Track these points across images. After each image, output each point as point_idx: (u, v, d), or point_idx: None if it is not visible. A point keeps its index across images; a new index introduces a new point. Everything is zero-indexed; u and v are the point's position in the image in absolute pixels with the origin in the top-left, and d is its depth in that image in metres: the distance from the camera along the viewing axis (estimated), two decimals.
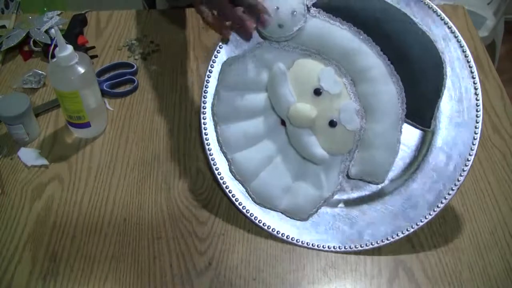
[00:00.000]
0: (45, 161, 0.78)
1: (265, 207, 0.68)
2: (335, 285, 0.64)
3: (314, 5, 0.64)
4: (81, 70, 0.74)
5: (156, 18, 1.04)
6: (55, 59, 0.74)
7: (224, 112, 0.68)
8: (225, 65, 0.68)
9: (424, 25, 0.63)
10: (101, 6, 0.99)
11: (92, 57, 0.94)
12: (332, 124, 0.62)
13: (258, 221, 0.68)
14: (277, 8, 0.62)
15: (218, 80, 0.69)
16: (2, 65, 0.94)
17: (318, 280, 0.64)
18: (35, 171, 0.77)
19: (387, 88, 0.63)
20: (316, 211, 0.67)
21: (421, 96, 0.63)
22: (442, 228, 0.68)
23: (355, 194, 0.69)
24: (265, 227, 0.68)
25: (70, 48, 0.73)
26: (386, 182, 0.67)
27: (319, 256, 0.66)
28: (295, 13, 0.62)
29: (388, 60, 0.63)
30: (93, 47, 0.96)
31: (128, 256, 0.67)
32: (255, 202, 0.68)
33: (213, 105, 0.69)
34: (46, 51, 0.94)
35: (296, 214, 0.67)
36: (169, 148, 0.79)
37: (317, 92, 0.63)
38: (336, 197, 0.68)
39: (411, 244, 0.67)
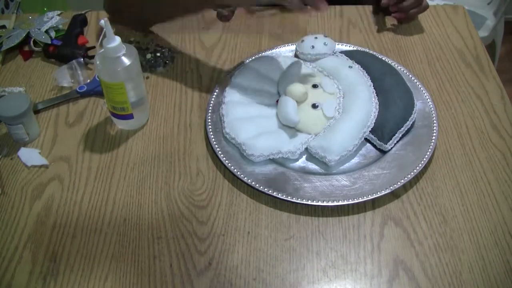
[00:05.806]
0: (45, 161, 0.78)
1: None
2: (335, 285, 0.64)
3: (341, 52, 0.90)
4: (127, 62, 0.75)
5: None
6: (102, 50, 0.74)
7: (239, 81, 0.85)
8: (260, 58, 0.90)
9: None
10: (101, 6, 0.99)
11: (91, 57, 0.94)
12: (314, 106, 0.79)
13: (257, 186, 0.72)
14: (316, 38, 0.90)
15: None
16: (2, 65, 0.94)
17: (318, 280, 0.64)
18: (35, 171, 0.77)
19: (366, 103, 0.79)
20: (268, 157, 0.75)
21: (389, 118, 0.78)
22: (442, 228, 0.68)
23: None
24: (265, 191, 0.71)
25: (118, 39, 0.74)
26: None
27: (319, 256, 0.66)
28: (325, 43, 0.89)
29: (374, 89, 0.83)
30: (93, 47, 0.96)
31: (128, 256, 0.67)
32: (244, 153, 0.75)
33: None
34: (47, 51, 0.94)
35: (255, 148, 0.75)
36: (169, 148, 0.79)
37: (314, 86, 0.82)
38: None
39: (410, 243, 0.67)
